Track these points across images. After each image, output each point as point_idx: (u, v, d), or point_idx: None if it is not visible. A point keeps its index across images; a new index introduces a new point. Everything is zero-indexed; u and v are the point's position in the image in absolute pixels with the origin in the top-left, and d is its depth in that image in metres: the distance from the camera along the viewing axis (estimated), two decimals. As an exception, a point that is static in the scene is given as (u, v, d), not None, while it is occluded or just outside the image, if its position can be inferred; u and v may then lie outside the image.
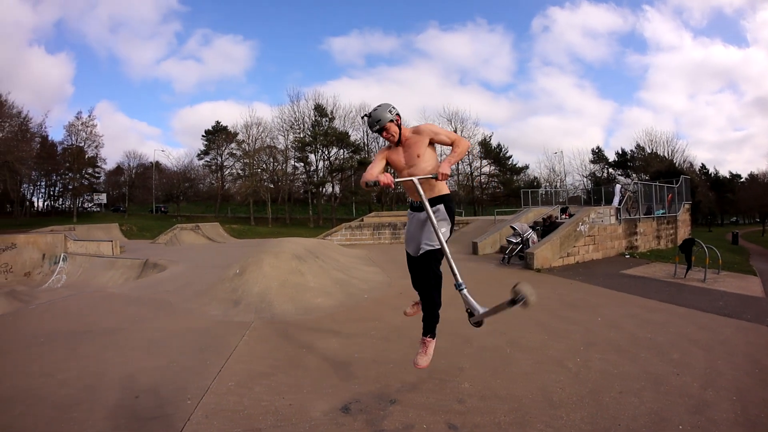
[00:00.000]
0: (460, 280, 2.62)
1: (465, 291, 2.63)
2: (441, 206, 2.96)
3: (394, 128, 2.96)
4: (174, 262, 13.56)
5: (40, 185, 61.25)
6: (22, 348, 5.68)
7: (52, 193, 64.57)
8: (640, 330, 5.05)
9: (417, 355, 3.17)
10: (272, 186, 56.06)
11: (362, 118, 3.10)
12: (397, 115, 2.97)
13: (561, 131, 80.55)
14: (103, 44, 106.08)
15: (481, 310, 2.61)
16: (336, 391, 3.95)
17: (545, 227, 11.18)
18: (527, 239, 10.49)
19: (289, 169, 57.27)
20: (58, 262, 17.62)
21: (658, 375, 3.83)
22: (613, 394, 3.49)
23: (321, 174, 55.41)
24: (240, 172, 62.07)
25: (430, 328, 3.15)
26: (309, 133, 54.42)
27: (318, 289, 7.27)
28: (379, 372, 4.26)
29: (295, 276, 7.53)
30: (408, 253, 3.31)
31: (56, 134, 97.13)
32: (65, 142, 56.44)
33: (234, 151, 61.45)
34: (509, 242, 10.64)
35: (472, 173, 56.91)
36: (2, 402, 4.14)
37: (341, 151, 55.30)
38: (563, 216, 14.12)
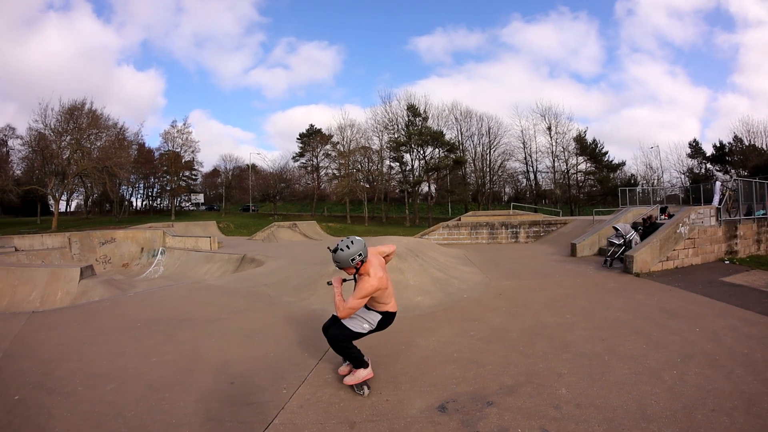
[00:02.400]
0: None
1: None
2: (379, 316, 4.91)
3: (351, 270, 4.64)
4: (272, 258, 16.67)
5: (138, 187, 78.99)
6: (119, 331, 7.24)
7: (150, 193, 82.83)
8: (738, 344, 5.89)
9: (349, 371, 5.12)
10: (368, 186, 67.79)
11: (329, 249, 4.72)
12: (360, 261, 4.56)
13: (656, 123, 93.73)
14: (191, 58, 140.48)
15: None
16: (433, 389, 4.78)
17: (645, 228, 12.97)
18: (630, 241, 12.16)
19: (385, 169, 68.78)
20: (156, 255, 22.75)
21: (752, 395, 4.50)
22: (706, 412, 4.19)
23: (416, 173, 66.08)
24: (335, 172, 72.47)
25: (352, 360, 4.95)
26: (403, 133, 65.50)
27: (418, 287, 8.69)
28: (477, 373, 5.15)
29: (395, 274, 8.96)
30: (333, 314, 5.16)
31: (153, 141, 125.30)
32: (162, 148, 73.22)
33: (329, 153, 75.83)
34: (611, 244, 12.40)
35: (568, 171, 65.20)
36: (96, 377, 5.33)
37: (436, 150, 65.44)
38: (662, 216, 16.55)
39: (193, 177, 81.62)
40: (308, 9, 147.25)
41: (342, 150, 69.91)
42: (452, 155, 64.15)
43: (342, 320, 4.86)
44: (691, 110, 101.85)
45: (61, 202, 56.33)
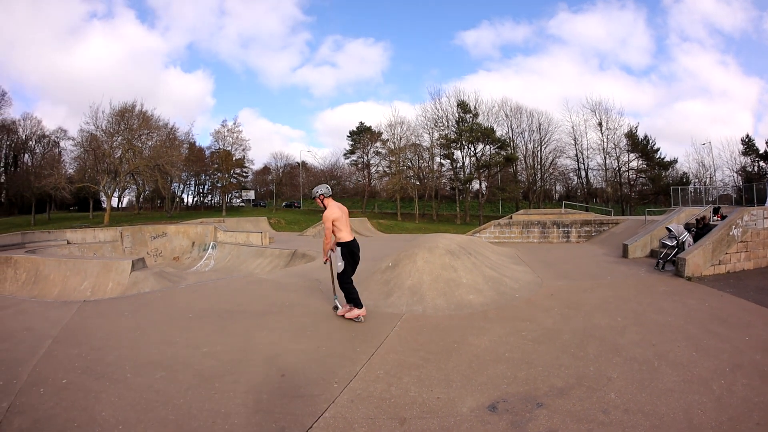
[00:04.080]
0: (334, 294, 8.06)
1: (336, 300, 7.93)
2: (339, 249, 7.41)
3: (317, 200, 7.48)
4: (321, 253, 17.26)
5: (189, 184, 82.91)
6: (170, 321, 7.54)
7: (201, 190, 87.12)
8: (788, 356, 6.04)
9: (347, 312, 7.55)
10: (418, 183, 70.79)
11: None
12: (321, 194, 7.45)
13: (708, 118, 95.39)
14: (237, 59, 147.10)
15: (339, 311, 7.62)
16: (484, 388, 5.06)
17: (698, 230, 13.43)
18: (683, 242, 12.45)
19: (435, 166, 71.12)
20: (207, 250, 24.07)
21: (798, 411, 4.62)
22: (751, 425, 4.31)
23: (467, 171, 68.17)
24: (386, 169, 75.79)
25: (351, 302, 7.54)
26: (453, 130, 67.58)
27: (470, 285, 9.15)
28: (528, 374, 5.39)
29: (447, 271, 9.49)
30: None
31: (203, 140, 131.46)
32: (213, 147, 77.16)
33: (379, 150, 78.85)
34: (663, 245, 12.72)
35: (619, 168, 66.52)
36: (145, 365, 5.54)
37: (487, 147, 67.20)
38: (715, 218, 16.82)
39: (244, 174, 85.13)
40: (352, 6, 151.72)
41: (392, 147, 72.07)
42: (503, 152, 65.65)
43: (336, 271, 7.56)
44: (743, 103, 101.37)
45: (113, 198, 59.64)
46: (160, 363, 5.60)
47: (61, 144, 65.11)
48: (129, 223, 41.58)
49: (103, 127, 55.47)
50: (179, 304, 8.86)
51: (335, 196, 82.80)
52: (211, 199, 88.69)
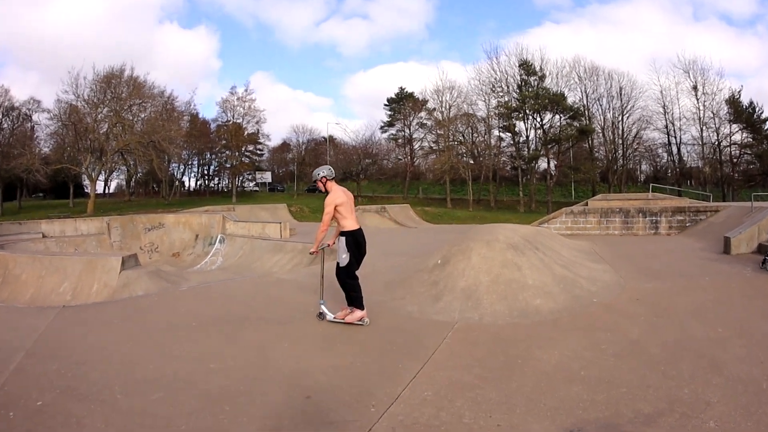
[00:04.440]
0: (322, 299, 8.28)
1: (323, 305, 8.20)
2: (342, 239, 7.89)
3: (319, 184, 8.14)
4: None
5: (191, 164, 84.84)
6: (168, 330, 7.65)
7: (205, 172, 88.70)
8: None
9: (347, 315, 7.97)
10: (472, 162, 71.15)
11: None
12: (323, 177, 8.05)
13: None
14: (247, 12, 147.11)
15: (329, 316, 8.03)
16: (555, 414, 5.03)
17: None
18: None
19: (493, 141, 72.06)
20: (214, 244, 24.38)
21: None
22: None
23: (532, 146, 68.54)
24: (432, 145, 76.71)
25: (354, 303, 7.94)
26: (515, 96, 67.58)
27: (537, 287, 9.21)
28: (609, 396, 5.39)
29: (510, 270, 9.59)
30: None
31: (208, 112, 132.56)
32: (219, 119, 78.48)
33: (424, 121, 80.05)
34: None
35: (719, 143, 65.34)
36: (139, 383, 5.59)
37: (556, 117, 67.03)
38: None
39: (258, 152, 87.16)
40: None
41: (440, 118, 72.38)
42: (576, 123, 65.30)
43: (338, 263, 7.96)
44: None
45: (98, 182, 61.35)
46: (158, 381, 5.64)
47: (34, 117, 66.58)
48: (118, 212, 42.59)
49: (85, 97, 56.82)
50: (180, 310, 8.98)
51: (371, 178, 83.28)
52: (219, 183, 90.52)
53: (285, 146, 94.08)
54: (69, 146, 59.18)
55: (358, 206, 45.47)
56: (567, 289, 9.39)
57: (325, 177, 8.05)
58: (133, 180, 79.16)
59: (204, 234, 25.65)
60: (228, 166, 79.61)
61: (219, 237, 24.73)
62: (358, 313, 7.85)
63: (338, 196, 7.87)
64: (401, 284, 10.23)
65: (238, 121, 76.72)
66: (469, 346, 6.93)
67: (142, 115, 61.29)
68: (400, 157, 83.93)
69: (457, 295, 8.86)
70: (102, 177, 66.31)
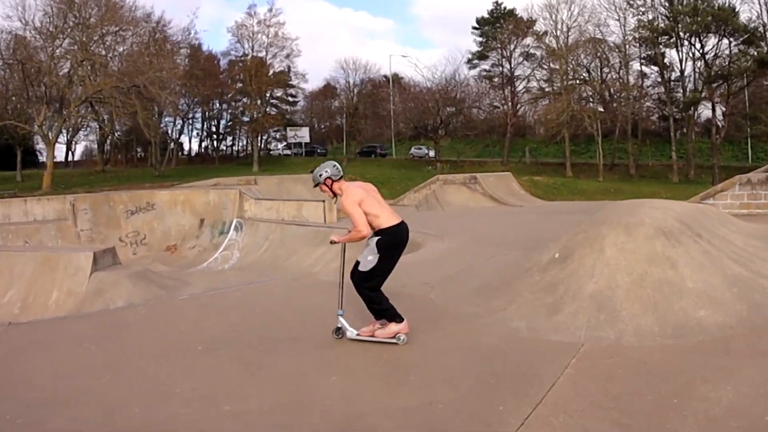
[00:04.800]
0: (340, 309, 8.61)
1: (341, 317, 8.59)
2: (374, 239, 8.27)
3: (324, 188, 8.52)
4: (434, 237, 17.65)
5: (193, 119, 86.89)
6: (162, 357, 7.73)
7: (214, 129, 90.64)
8: None
9: (377, 330, 8.37)
10: (602, 109, 71.01)
11: (309, 172, 9.40)
12: (327, 178, 8.40)
13: None
14: None
15: (351, 332, 8.47)
16: None
17: None
18: None
19: (632, 79, 71.23)
20: (227, 232, 24.45)
21: None
22: None
23: (689, 85, 67.20)
24: (544, 86, 76.16)
25: (384, 316, 8.36)
26: (663, 13, 68.12)
27: (701, 292, 8.88)
28: None
29: (660, 268, 9.27)
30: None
31: (216, 42, 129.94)
32: (232, 53, 79.43)
33: (531, 51, 79.79)
34: None
35: None
36: None
37: (724, 41, 66.55)
38: None
39: (290, 99, 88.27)
40: None
41: (554, 46, 71.65)
42: (753, 50, 63.71)
43: (359, 267, 8.23)
44: None
45: (57, 146, 62.50)
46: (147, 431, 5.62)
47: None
48: (87, 188, 43.32)
49: (37, 24, 57.40)
50: (179, 327, 9.08)
51: (454, 134, 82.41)
52: (233, 145, 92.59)
53: (328, 90, 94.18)
54: (14, 95, 60.26)
55: (437, 175, 45.18)
56: (743, 294, 8.95)
57: (329, 178, 8.36)
58: (108, 142, 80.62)
59: (212, 218, 25.82)
60: (246, 119, 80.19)
61: (234, 222, 24.87)
62: (392, 327, 8.11)
63: (354, 192, 8.20)
64: (502, 289, 10.14)
65: (259, 54, 77.15)
66: (601, 378, 6.72)
67: (121, 49, 62.19)
68: (496, 103, 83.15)
69: (583, 305, 8.63)
70: (63, 138, 67.75)
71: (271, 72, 77.64)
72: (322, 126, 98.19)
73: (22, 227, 24.35)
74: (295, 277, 13.78)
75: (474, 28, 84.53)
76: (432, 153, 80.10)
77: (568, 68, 69.92)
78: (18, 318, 11.94)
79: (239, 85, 77.97)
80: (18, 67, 57.58)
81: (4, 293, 13.43)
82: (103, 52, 59.96)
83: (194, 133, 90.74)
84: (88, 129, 77.32)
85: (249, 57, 76.59)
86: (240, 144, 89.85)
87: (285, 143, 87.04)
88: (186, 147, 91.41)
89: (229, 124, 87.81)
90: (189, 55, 74.06)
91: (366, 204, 8.04)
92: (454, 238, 16.96)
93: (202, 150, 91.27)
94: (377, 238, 8.09)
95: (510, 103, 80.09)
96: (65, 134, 67.44)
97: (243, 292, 11.38)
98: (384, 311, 8.12)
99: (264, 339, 8.34)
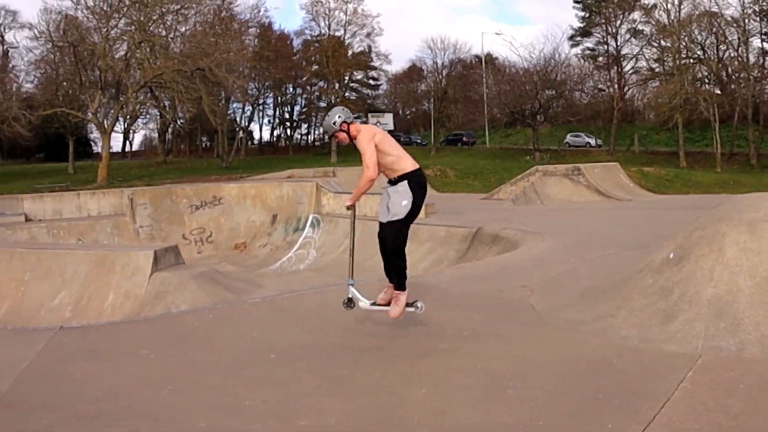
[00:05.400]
0: (351, 279, 9.47)
1: (353, 287, 9.36)
2: (404, 182, 8.90)
3: (342, 135, 9.17)
4: (534, 235, 17.71)
5: (263, 105, 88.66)
6: (231, 367, 7.78)
7: (287, 116, 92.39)
8: None
9: (390, 307, 8.93)
10: (719, 91, 70.18)
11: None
12: (343, 122, 9.02)
13: None
14: None
15: (364, 303, 9.22)
16: None
17: None
18: None
19: (752, 57, 70.40)
20: (303, 229, 24.90)
21: None
22: None
23: None
24: (654, 65, 75.98)
25: (400, 284, 8.99)
26: None
27: None
28: None
29: None
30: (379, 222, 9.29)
31: (288, 20, 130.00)
32: (307, 32, 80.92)
33: (639, 27, 79.71)
34: None
35: None
36: None
37: None
38: None
39: (372, 82, 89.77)
40: None
41: (664, 21, 71.16)
42: None
43: (388, 219, 8.76)
44: None
45: (114, 135, 63.50)
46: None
47: (8, 38, 69.93)
48: (146, 181, 43.97)
49: (89, 3, 58.04)
50: (249, 334, 9.17)
51: (554, 120, 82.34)
52: (308, 134, 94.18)
53: (414, 72, 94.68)
54: (66, 80, 61.40)
55: (536, 166, 45.52)
56: None
57: (345, 122, 8.84)
58: (170, 131, 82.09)
59: (286, 214, 26.15)
60: (323, 105, 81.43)
61: (311, 218, 25.16)
62: (402, 298, 8.63)
63: (371, 130, 8.84)
64: (610, 293, 10.09)
65: (337, 33, 78.18)
66: (720, 394, 6.47)
67: (183, 29, 63.24)
68: (601, 86, 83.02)
69: (700, 311, 8.39)
70: (120, 127, 68.89)
71: (350, 53, 78.65)
72: (408, 112, 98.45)
73: (74, 223, 25.02)
74: (378, 279, 13.25)
75: (575, 1, 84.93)
76: (593, 141, 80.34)
77: (681, 46, 69.41)
78: (70, 322, 12.16)
79: (315, 67, 78.98)
80: (69, 50, 58.51)
81: (55, 295, 13.68)
82: (164, 33, 60.93)
83: (265, 120, 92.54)
84: (148, 117, 79.02)
85: (325, 36, 77.60)
86: (316, 132, 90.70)
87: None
88: (256, 136, 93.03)
89: (304, 110, 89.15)
90: (258, 35, 75.14)
91: (386, 144, 8.65)
92: (556, 236, 17.00)
93: (274, 139, 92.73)
94: (404, 181, 8.61)
95: (616, 86, 79.96)
96: (122, 122, 68.83)
97: (321, 296, 11.49)
98: (404, 271, 8.78)
99: (344, 348, 8.37)
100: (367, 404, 6.50)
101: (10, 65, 66.28)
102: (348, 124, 8.77)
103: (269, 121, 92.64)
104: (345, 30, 78.19)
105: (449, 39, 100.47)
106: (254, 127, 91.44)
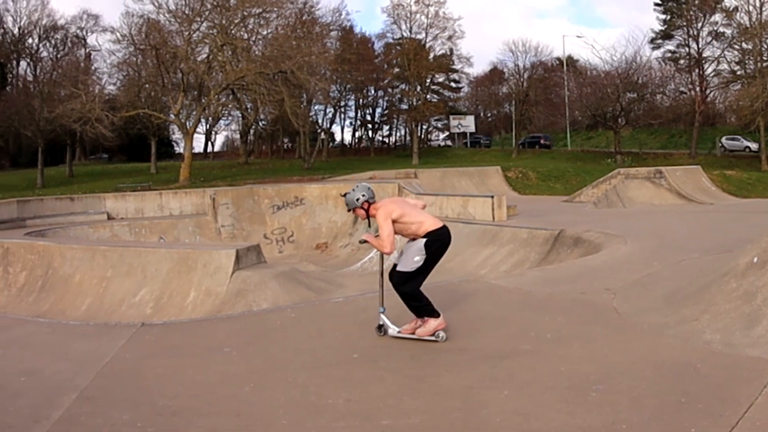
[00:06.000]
0: (382, 307, 9.58)
1: (383, 315, 9.55)
2: (422, 240, 9.25)
3: (361, 212, 9.53)
4: (616, 237, 17.66)
5: (345, 107, 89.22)
6: (313, 366, 7.80)
7: (368, 118, 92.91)
8: None
9: (418, 328, 9.26)
10: None
11: (341, 195, 10.51)
12: (365, 202, 9.36)
13: None
14: None
15: (392, 329, 9.37)
16: None
17: None
18: None
19: None
20: None
21: None
22: None
23: None
24: (735, 68, 73.37)
25: (423, 313, 9.24)
26: None
27: None
28: None
29: None
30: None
31: (370, 24, 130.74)
32: (389, 35, 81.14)
33: (721, 30, 77.87)
34: None
35: None
36: None
37: None
38: None
39: (454, 85, 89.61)
40: None
41: (746, 23, 69.67)
42: None
43: (399, 268, 9.04)
44: None
45: (196, 136, 64.14)
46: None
47: (91, 41, 70.86)
48: (228, 182, 44.27)
49: (171, 6, 58.89)
50: (331, 333, 9.27)
51: (636, 123, 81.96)
52: (389, 136, 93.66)
53: (495, 74, 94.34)
54: (148, 82, 62.02)
55: (618, 169, 44.92)
56: None
57: (367, 201, 9.15)
58: (252, 132, 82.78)
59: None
60: (404, 107, 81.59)
61: (392, 219, 24.60)
62: (432, 324, 8.81)
63: (389, 207, 9.07)
64: (694, 297, 10.00)
65: (418, 36, 78.04)
66: None
67: (264, 32, 63.49)
68: (682, 88, 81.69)
69: None
70: (201, 128, 69.58)
71: (431, 55, 78.61)
72: (489, 114, 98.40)
73: (156, 222, 25.58)
74: (460, 279, 13.90)
75: (656, 4, 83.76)
76: (753, 146, 78.73)
77: (763, 48, 67.89)
78: (151, 319, 12.35)
79: (396, 70, 79.02)
80: (151, 53, 59.12)
81: (136, 292, 13.92)
82: (246, 36, 61.18)
83: (347, 122, 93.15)
84: (230, 118, 79.75)
85: (407, 39, 77.42)
86: (398, 134, 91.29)
87: (447, 133, 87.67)
88: (338, 137, 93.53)
89: (386, 112, 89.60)
90: (340, 38, 75.66)
91: (406, 215, 8.97)
92: (638, 239, 16.97)
93: (356, 141, 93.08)
94: (424, 240, 8.93)
95: (698, 88, 78.22)
96: (204, 124, 69.62)
97: None
98: (423, 308, 8.90)
99: (427, 348, 8.35)
100: (449, 405, 6.47)
101: (93, 68, 67.31)
102: (369, 204, 9.11)
103: (351, 123, 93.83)
104: (426, 33, 78.14)
105: (530, 42, 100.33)
106: (336, 128, 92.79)
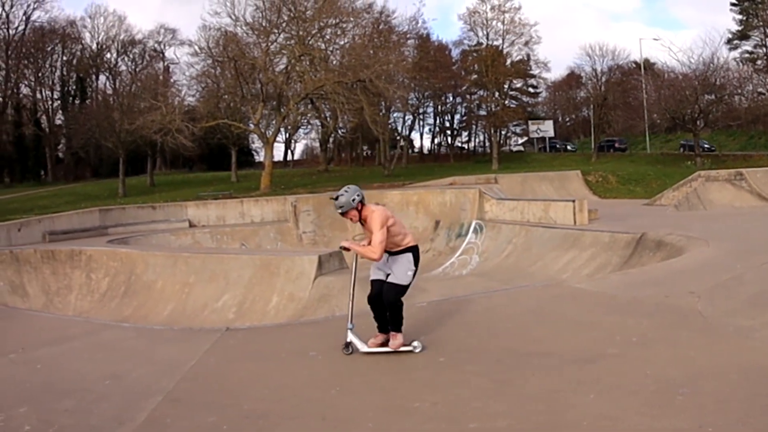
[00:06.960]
0: (350, 324, 9.37)
1: (351, 332, 9.34)
2: (409, 254, 9.70)
3: (354, 213, 9.55)
4: (698, 240, 17.37)
5: (424, 114, 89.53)
6: (399, 369, 7.87)
7: (447, 124, 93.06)
8: None
9: (390, 341, 9.36)
10: None
11: (330, 199, 10.22)
12: (360, 202, 9.44)
13: None
14: None
15: (362, 346, 9.18)
16: None
17: None
18: None
19: None
20: (465, 235, 24.85)
21: None
22: None
23: None
24: None
25: (398, 326, 9.36)
26: None
27: None
28: None
29: None
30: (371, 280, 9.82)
31: (446, 31, 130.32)
32: (465, 42, 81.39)
33: None
34: None
35: None
36: None
37: None
38: None
39: (531, 89, 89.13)
40: None
41: None
42: None
43: (394, 281, 9.16)
44: None
45: (276, 145, 64.53)
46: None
47: (169, 54, 71.67)
48: (308, 189, 44.36)
49: (248, 19, 59.44)
50: (417, 336, 9.17)
51: (714, 125, 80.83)
52: (469, 141, 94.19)
53: (573, 79, 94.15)
54: (227, 93, 62.50)
55: (698, 172, 44.52)
56: None
57: (361, 202, 9.21)
58: (332, 140, 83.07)
59: (449, 220, 26.25)
60: (483, 113, 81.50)
61: (474, 224, 25.17)
62: (399, 336, 8.96)
63: (386, 214, 9.17)
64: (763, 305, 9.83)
65: (495, 43, 77.79)
66: None
67: (342, 42, 63.60)
68: (761, 89, 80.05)
69: None
70: (281, 137, 69.99)
71: (508, 61, 78.31)
72: (567, 119, 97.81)
73: (238, 229, 25.89)
74: (543, 284, 13.78)
75: (732, 4, 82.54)
76: None
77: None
78: (233, 323, 12.53)
79: (474, 76, 78.99)
80: (230, 65, 59.41)
81: (219, 297, 14.10)
82: (323, 46, 61.22)
83: (426, 129, 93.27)
84: (309, 127, 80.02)
85: (484, 46, 77.39)
86: (477, 140, 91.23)
87: (525, 138, 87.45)
88: (417, 144, 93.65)
89: (464, 118, 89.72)
90: (417, 46, 75.60)
91: (396, 226, 9.18)
92: (720, 241, 16.66)
93: (435, 147, 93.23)
94: (410, 253, 9.38)
95: (776, 89, 76.34)
96: (283, 133, 70.01)
97: (488, 300, 11.53)
98: (401, 321, 9.10)
99: (512, 352, 8.30)
100: (535, 408, 6.41)
101: (172, 80, 68.22)
102: (363, 205, 9.21)
103: (430, 130, 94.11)
104: (503, 39, 77.88)
105: (607, 45, 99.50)
106: (415, 135, 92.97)
